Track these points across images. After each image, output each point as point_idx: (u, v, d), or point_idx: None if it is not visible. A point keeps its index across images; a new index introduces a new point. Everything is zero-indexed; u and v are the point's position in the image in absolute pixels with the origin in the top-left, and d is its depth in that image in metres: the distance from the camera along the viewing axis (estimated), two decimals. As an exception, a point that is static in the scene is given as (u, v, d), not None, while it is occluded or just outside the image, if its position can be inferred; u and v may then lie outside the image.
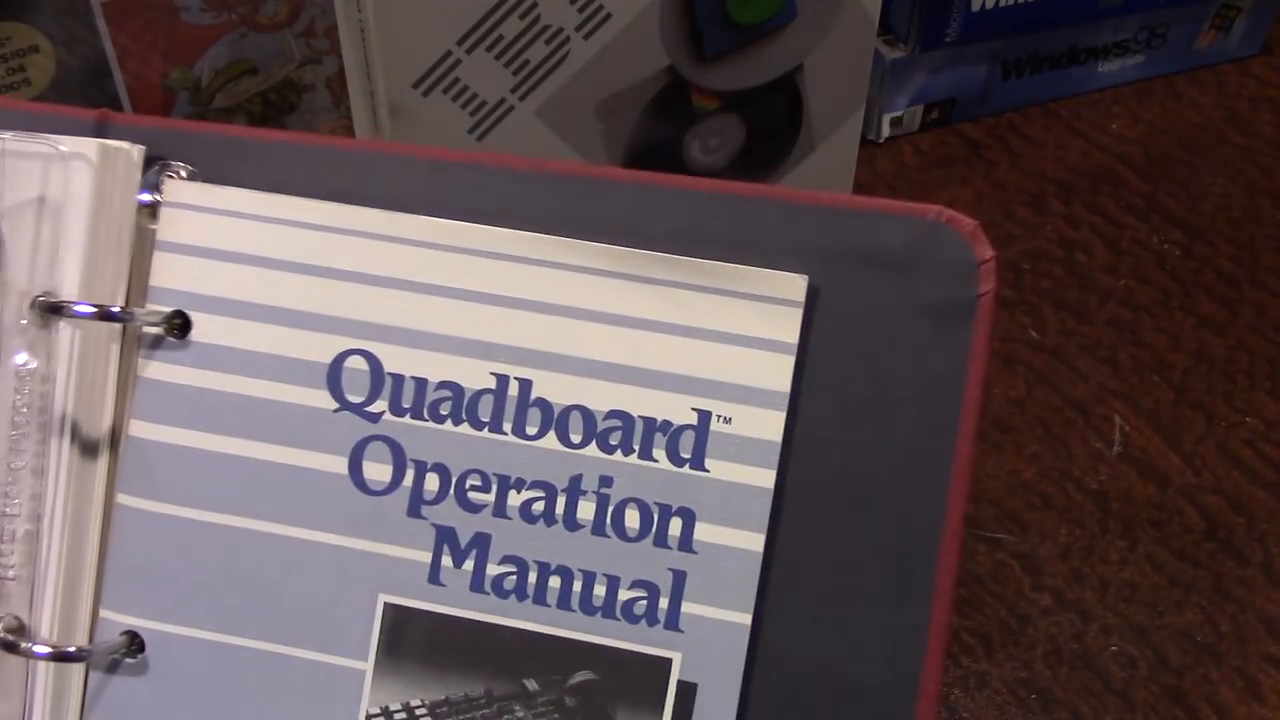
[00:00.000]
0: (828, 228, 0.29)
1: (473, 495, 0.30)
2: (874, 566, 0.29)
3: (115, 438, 0.31)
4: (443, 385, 0.30)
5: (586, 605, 0.30)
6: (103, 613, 0.31)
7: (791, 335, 0.29)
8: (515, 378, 0.30)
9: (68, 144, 0.29)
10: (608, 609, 0.30)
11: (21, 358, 0.30)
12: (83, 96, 0.49)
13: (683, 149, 0.55)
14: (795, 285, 0.29)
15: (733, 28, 0.52)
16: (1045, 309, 0.60)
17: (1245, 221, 0.66)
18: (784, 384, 0.29)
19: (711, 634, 0.29)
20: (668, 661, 0.29)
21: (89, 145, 0.30)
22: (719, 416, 0.29)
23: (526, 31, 0.48)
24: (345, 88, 0.53)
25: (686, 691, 0.29)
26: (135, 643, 0.31)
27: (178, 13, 0.49)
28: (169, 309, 0.30)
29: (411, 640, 0.30)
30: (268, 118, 0.53)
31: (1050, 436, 0.55)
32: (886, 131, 0.69)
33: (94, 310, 0.30)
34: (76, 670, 0.31)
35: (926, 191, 0.66)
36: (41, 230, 0.30)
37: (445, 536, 0.30)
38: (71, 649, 0.30)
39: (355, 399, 0.30)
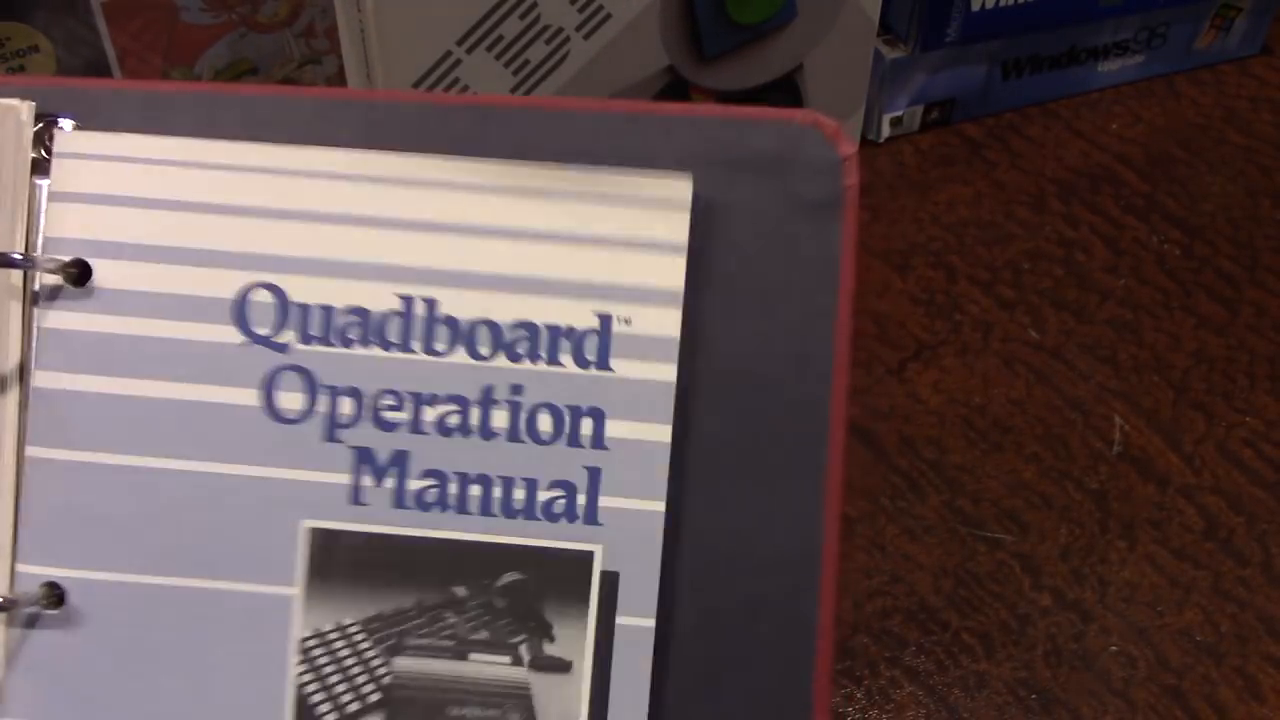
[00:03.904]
0: (705, 136, 0.31)
1: (387, 415, 0.31)
2: (769, 448, 0.31)
3: (22, 391, 0.31)
4: (349, 311, 0.31)
5: (508, 509, 0.31)
6: (19, 567, 0.31)
7: (681, 235, 0.31)
8: (420, 298, 0.31)
9: None
10: (529, 511, 0.31)
11: None
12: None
13: (683, 149, 0.56)
14: (681, 187, 0.30)
15: (733, 28, 0.52)
16: (1045, 309, 0.60)
17: (1245, 221, 0.66)
18: (678, 283, 0.31)
19: (628, 524, 0.31)
20: (590, 554, 0.31)
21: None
22: (619, 318, 0.31)
23: (526, 31, 0.48)
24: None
25: (610, 580, 0.31)
26: (55, 593, 0.31)
27: (178, 13, 0.49)
28: (67, 258, 0.31)
29: (338, 562, 0.31)
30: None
31: (1050, 436, 0.55)
32: (886, 131, 0.69)
33: None
34: None
35: (926, 191, 0.66)
36: None
37: (363, 457, 0.31)
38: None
39: (262, 331, 0.31)
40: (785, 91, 0.56)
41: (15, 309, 0.31)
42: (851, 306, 0.31)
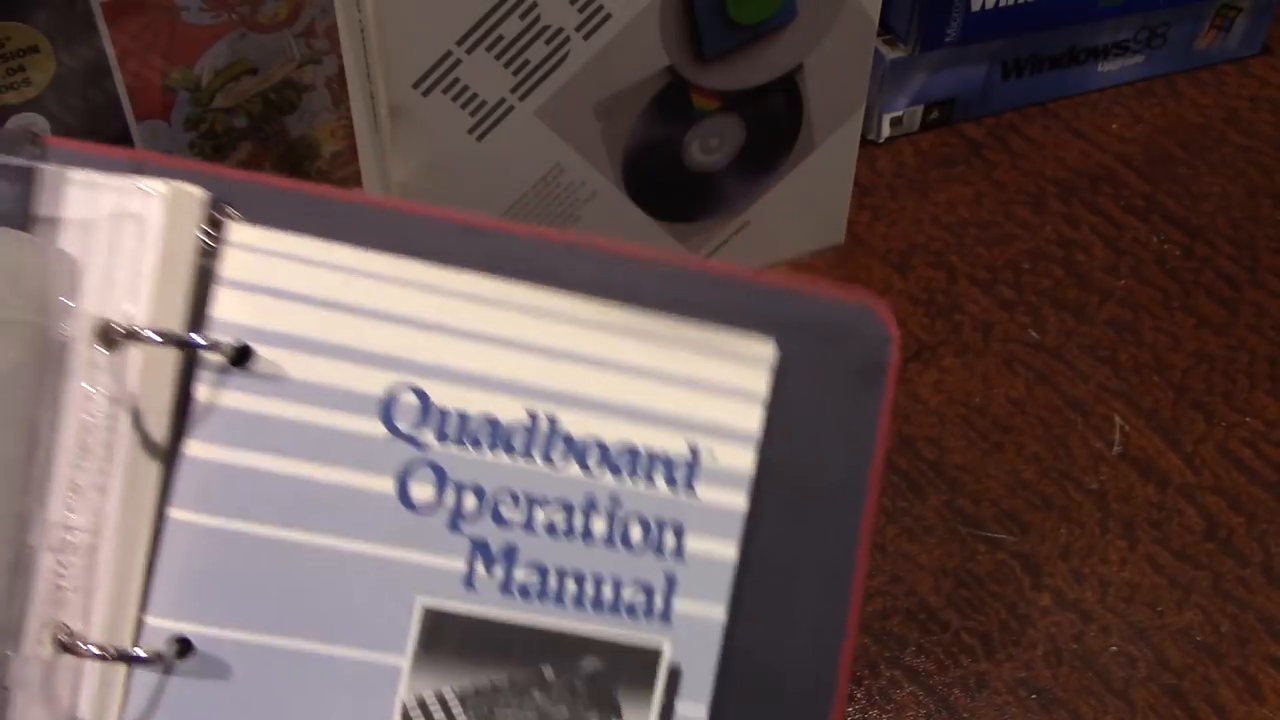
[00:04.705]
0: (780, 303, 0.36)
1: (505, 512, 0.35)
2: (808, 569, 0.36)
3: (170, 456, 0.33)
4: (482, 418, 0.35)
5: (596, 604, 0.35)
6: (150, 620, 0.33)
7: (762, 388, 0.36)
8: (545, 414, 0.35)
9: (143, 183, 0.33)
10: (614, 607, 0.35)
11: (90, 379, 0.33)
12: (82, 97, 0.49)
13: (683, 149, 0.56)
14: (767, 349, 0.36)
15: (733, 28, 0.52)
16: (1045, 309, 0.60)
17: (1245, 221, 0.66)
18: (756, 427, 0.36)
19: (695, 625, 0.35)
20: (660, 649, 0.35)
21: (161, 185, 0.33)
22: (706, 451, 0.36)
23: (526, 31, 0.48)
24: (345, 88, 0.53)
25: (674, 673, 0.35)
26: (182, 646, 0.33)
27: (178, 13, 0.49)
28: (231, 339, 0.33)
29: (445, 638, 0.34)
30: (268, 117, 0.53)
31: (1050, 436, 0.55)
32: (886, 131, 0.69)
33: (161, 337, 0.33)
34: (122, 675, 0.33)
35: (926, 191, 0.66)
36: (114, 261, 0.33)
37: (479, 548, 0.35)
38: (126, 649, 0.33)
39: (404, 428, 0.35)
40: (785, 91, 0.56)
41: (175, 381, 0.33)
42: (885, 451, 0.37)
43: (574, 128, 0.52)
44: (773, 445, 0.36)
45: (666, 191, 0.57)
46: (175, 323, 0.33)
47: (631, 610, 0.35)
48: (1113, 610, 0.49)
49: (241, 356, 0.34)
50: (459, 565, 0.35)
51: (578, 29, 0.49)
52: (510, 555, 0.35)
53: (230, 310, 0.34)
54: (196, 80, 0.51)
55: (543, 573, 0.35)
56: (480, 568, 0.35)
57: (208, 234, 0.33)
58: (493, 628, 0.35)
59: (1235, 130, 0.71)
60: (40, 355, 0.33)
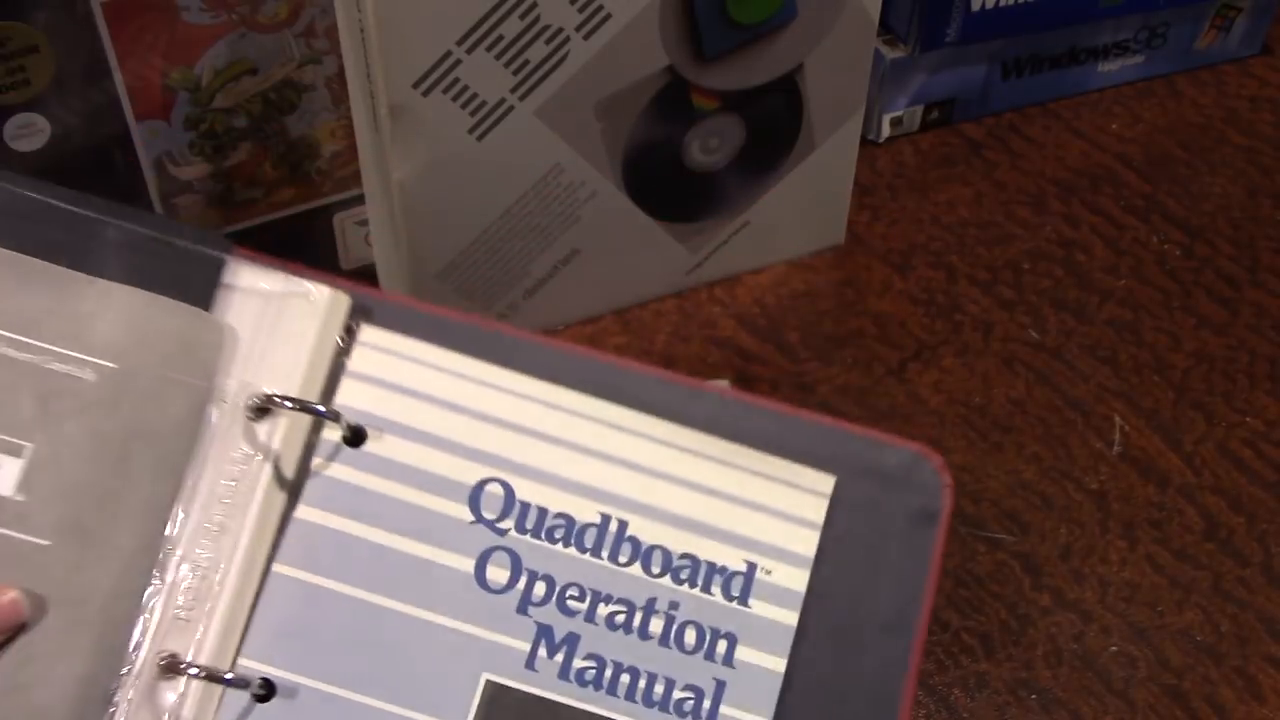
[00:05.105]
0: (843, 444, 0.40)
1: (570, 603, 0.38)
2: (855, 694, 0.38)
3: (284, 516, 0.38)
4: (559, 515, 0.39)
5: (648, 699, 0.38)
6: (242, 660, 0.37)
7: (819, 517, 0.39)
8: (616, 518, 0.39)
9: (308, 285, 0.39)
10: (664, 704, 0.38)
11: (236, 440, 0.38)
12: (83, 97, 0.49)
13: (683, 149, 0.56)
14: (826, 482, 0.39)
15: (733, 28, 0.52)
16: (1045, 309, 0.60)
17: (1245, 221, 0.66)
18: (811, 551, 0.39)
19: None
20: None
21: (321, 289, 0.39)
22: (763, 569, 0.39)
23: (526, 31, 0.48)
24: (345, 88, 0.53)
25: None
26: (267, 688, 0.37)
27: (178, 13, 0.49)
28: (352, 422, 0.38)
29: (503, 712, 0.37)
30: (268, 117, 0.53)
31: (1050, 436, 0.55)
32: (886, 131, 0.69)
33: (299, 407, 0.38)
34: (213, 703, 0.37)
35: (926, 191, 0.66)
36: (271, 344, 0.38)
37: (544, 633, 0.38)
38: (222, 672, 0.36)
39: (489, 516, 0.39)
40: (785, 91, 0.56)
41: (299, 453, 0.38)
42: (934, 590, 0.39)
43: (574, 128, 0.52)
44: (826, 571, 0.39)
45: (666, 191, 0.57)
46: (310, 396, 0.38)
47: (680, 709, 0.38)
48: (1113, 610, 0.49)
49: (357, 438, 0.38)
50: (523, 646, 0.38)
51: (578, 29, 0.49)
52: (572, 642, 0.38)
53: (353, 397, 0.39)
54: (196, 80, 0.51)
55: (600, 663, 0.38)
56: (543, 650, 0.38)
57: (348, 330, 0.39)
58: (547, 708, 0.38)
59: (1235, 130, 0.71)
60: (198, 414, 0.38)
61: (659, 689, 0.38)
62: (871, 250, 0.63)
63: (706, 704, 0.38)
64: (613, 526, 0.39)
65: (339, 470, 0.39)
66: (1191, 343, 0.59)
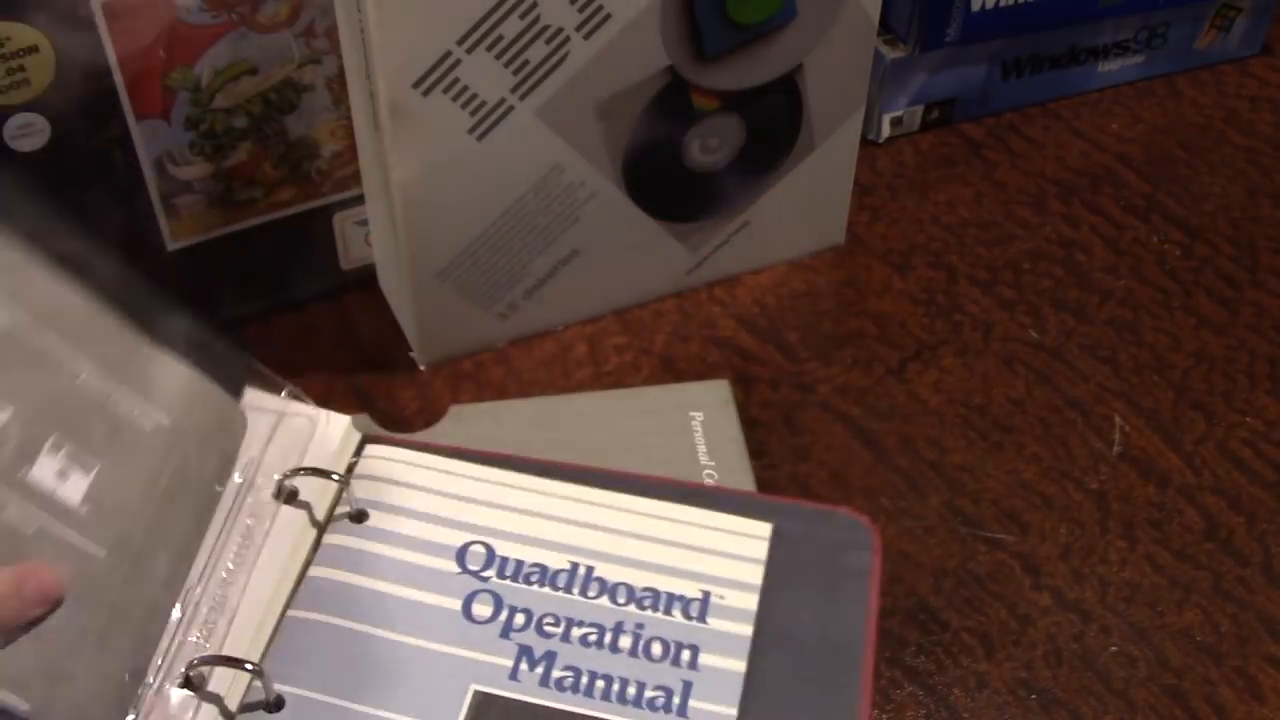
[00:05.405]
0: (785, 512, 0.49)
1: (547, 628, 0.45)
2: (803, 682, 0.44)
3: (300, 575, 0.46)
4: (534, 565, 0.47)
5: (622, 699, 0.43)
6: (255, 684, 0.42)
7: (762, 554, 0.47)
8: (583, 565, 0.47)
9: (330, 414, 0.51)
10: (637, 702, 0.43)
11: (264, 516, 0.47)
12: (82, 97, 0.49)
13: (683, 149, 0.56)
14: (765, 528, 0.48)
15: (733, 28, 0.52)
16: (1045, 309, 0.60)
17: (1245, 221, 0.66)
18: (758, 580, 0.46)
19: (710, 718, 0.43)
20: None
21: (342, 418, 0.51)
22: (716, 595, 0.46)
23: (526, 31, 0.48)
24: (345, 88, 0.53)
25: None
26: (279, 702, 0.42)
27: (178, 13, 0.49)
28: (356, 508, 0.48)
29: (490, 715, 0.42)
30: (268, 117, 0.53)
31: (1050, 436, 0.55)
32: (886, 131, 0.69)
33: (313, 472, 0.48)
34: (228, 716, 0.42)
35: (926, 191, 0.66)
36: (297, 444, 0.49)
37: (524, 652, 0.44)
38: (247, 664, 0.42)
39: (473, 567, 0.47)
40: (785, 91, 0.56)
41: (314, 529, 0.48)
42: (876, 628, 0.45)
43: (574, 128, 0.52)
44: (771, 593, 0.46)
45: (666, 191, 0.57)
46: (329, 495, 0.48)
47: (653, 705, 0.43)
48: (1113, 610, 0.49)
49: (361, 517, 0.48)
50: (507, 662, 0.44)
51: (578, 29, 0.49)
52: (550, 658, 0.44)
53: (359, 489, 0.48)
54: (196, 80, 0.51)
55: (576, 672, 0.43)
56: (524, 665, 0.44)
57: (359, 445, 0.50)
58: (531, 710, 0.42)
59: (1235, 130, 0.71)
60: (224, 482, 0.47)
61: (631, 690, 0.43)
62: (871, 250, 0.63)
63: (676, 700, 0.43)
64: (581, 571, 0.46)
65: (345, 539, 0.47)
66: (1191, 343, 0.59)
